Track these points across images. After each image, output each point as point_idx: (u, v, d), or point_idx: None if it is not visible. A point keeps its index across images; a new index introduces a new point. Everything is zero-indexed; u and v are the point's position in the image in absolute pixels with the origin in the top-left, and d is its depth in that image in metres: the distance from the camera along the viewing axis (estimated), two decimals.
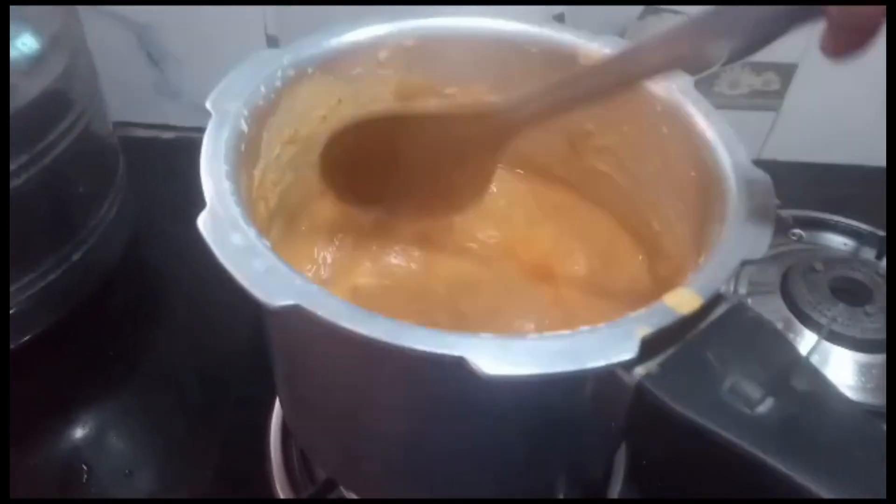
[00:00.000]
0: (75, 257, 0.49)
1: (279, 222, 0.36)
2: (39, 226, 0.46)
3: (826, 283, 0.50)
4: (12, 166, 0.42)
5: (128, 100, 0.66)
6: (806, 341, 0.47)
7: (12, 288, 0.46)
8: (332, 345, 0.26)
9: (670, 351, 0.25)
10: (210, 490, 0.44)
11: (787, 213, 0.55)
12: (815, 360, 0.47)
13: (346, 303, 0.24)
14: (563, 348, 0.24)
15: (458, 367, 0.22)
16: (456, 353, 0.23)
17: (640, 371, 0.25)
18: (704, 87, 0.65)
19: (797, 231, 0.56)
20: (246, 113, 0.31)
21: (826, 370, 0.47)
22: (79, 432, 0.48)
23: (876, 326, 0.47)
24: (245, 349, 0.52)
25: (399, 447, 0.31)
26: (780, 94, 0.67)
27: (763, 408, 0.24)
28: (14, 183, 0.43)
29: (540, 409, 0.27)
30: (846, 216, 0.58)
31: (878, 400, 0.45)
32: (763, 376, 0.25)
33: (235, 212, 0.26)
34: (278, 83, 0.33)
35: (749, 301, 0.51)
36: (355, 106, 0.38)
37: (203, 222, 0.25)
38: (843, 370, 0.47)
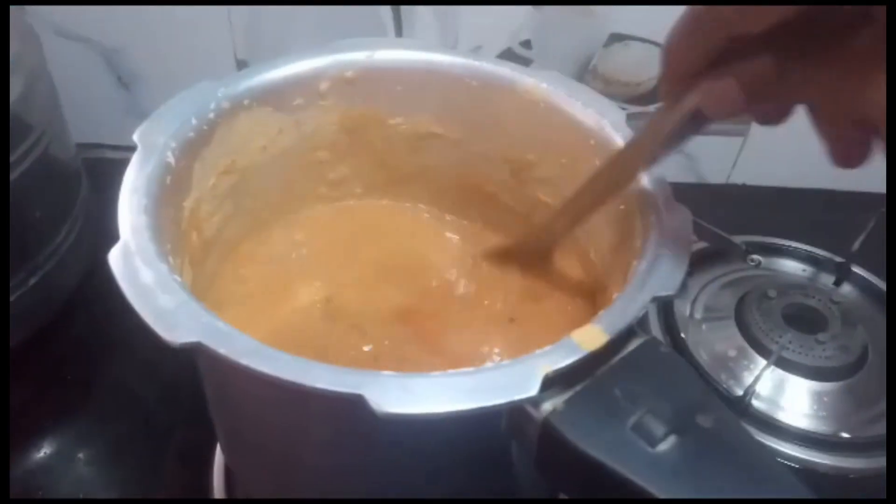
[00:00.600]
0: (32, 282, 0.49)
1: (217, 252, 0.36)
2: None
3: (779, 310, 0.50)
4: None
5: (96, 122, 0.67)
6: (758, 368, 0.47)
7: None
8: (239, 381, 0.26)
9: (579, 386, 0.25)
10: None
11: (742, 239, 0.55)
12: (766, 387, 0.47)
13: (251, 340, 0.24)
14: (464, 385, 0.24)
15: (357, 406, 0.23)
16: (355, 391, 0.23)
17: (547, 407, 0.25)
18: None
19: (756, 257, 0.57)
20: (174, 145, 0.31)
21: (779, 398, 0.47)
22: (35, 456, 0.48)
23: (828, 354, 0.47)
24: (198, 377, 0.52)
25: (315, 478, 0.31)
26: (747, 119, 0.67)
27: (664, 445, 0.24)
28: None
29: (456, 441, 0.27)
30: (810, 241, 0.58)
31: (830, 428, 0.45)
32: (669, 413, 0.25)
33: (149, 248, 0.26)
34: (212, 115, 0.34)
35: (703, 327, 0.51)
36: (297, 136, 0.38)
37: (114, 257, 0.26)
38: (797, 398, 0.47)
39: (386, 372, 0.24)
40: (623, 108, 0.37)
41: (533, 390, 0.24)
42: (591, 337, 0.25)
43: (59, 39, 0.62)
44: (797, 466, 0.43)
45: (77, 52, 0.64)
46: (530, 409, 0.25)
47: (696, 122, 0.28)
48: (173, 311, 0.24)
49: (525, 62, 0.63)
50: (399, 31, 0.62)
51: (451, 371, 0.24)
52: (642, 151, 0.31)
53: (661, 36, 0.63)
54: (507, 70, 0.38)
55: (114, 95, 0.67)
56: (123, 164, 0.68)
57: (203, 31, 0.62)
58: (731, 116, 0.27)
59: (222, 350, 0.23)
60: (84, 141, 0.63)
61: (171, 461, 0.47)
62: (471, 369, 0.24)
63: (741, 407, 0.45)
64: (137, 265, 0.26)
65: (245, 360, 0.23)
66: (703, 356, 0.49)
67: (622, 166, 0.32)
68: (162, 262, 0.26)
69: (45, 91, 0.50)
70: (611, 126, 0.35)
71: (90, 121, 0.65)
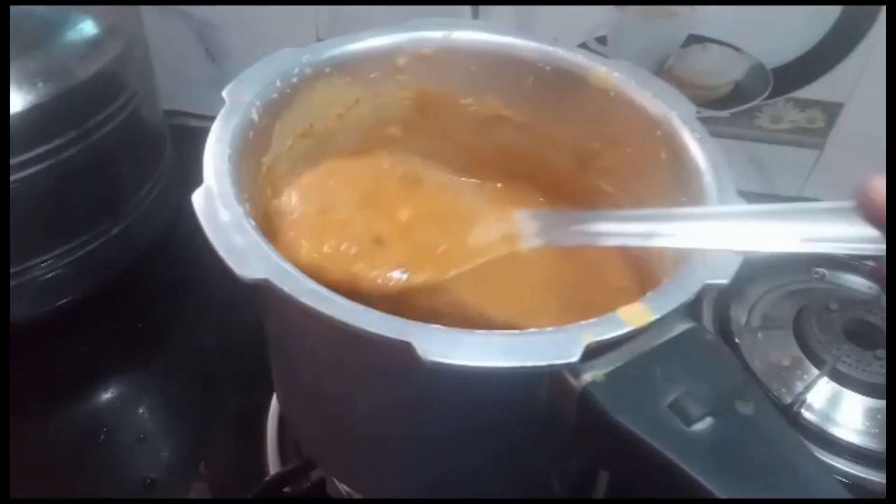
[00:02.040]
0: (115, 231, 0.53)
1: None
2: (83, 198, 0.50)
3: (839, 324, 0.49)
4: (62, 140, 0.46)
5: (184, 90, 0.70)
6: (811, 379, 0.47)
7: (53, 253, 0.49)
8: (299, 322, 0.28)
9: (620, 362, 0.26)
10: (212, 459, 0.47)
11: None
12: (819, 399, 0.46)
13: (311, 282, 0.25)
14: (508, 345, 0.25)
15: (404, 353, 0.24)
16: (405, 338, 0.24)
17: (587, 378, 0.26)
18: (745, 119, 0.65)
19: (820, 270, 0.56)
20: (258, 104, 0.33)
21: (832, 411, 0.46)
22: (102, 396, 0.52)
23: (885, 371, 0.46)
24: (262, 334, 0.55)
25: (362, 425, 0.32)
26: (824, 132, 0.66)
27: (700, 426, 0.24)
28: (62, 155, 0.46)
29: (493, 403, 0.28)
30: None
31: (882, 446, 0.44)
32: (707, 396, 0.25)
33: (229, 191, 0.28)
34: (295, 79, 0.35)
35: (759, 335, 0.51)
36: (373, 107, 0.40)
37: (197, 198, 0.28)
38: (849, 412, 0.46)
39: (436, 325, 0.25)
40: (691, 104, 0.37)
41: (574, 357, 0.24)
42: (636, 314, 0.26)
43: (157, 11, 0.66)
44: (846, 482, 0.43)
45: (173, 24, 0.68)
46: (570, 378, 0.26)
47: None
48: (246, 249, 0.26)
49: None
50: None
51: (497, 331, 0.25)
52: None
53: (741, 39, 0.62)
54: (580, 58, 0.39)
55: (202, 67, 0.71)
56: (205, 132, 0.72)
57: (290, 14, 0.65)
58: None
59: (286, 288, 0.25)
60: (171, 108, 0.66)
61: (228, 411, 0.50)
62: (516, 331, 0.25)
63: (790, 415, 0.44)
64: (217, 206, 0.28)
65: (306, 300, 0.25)
66: (756, 363, 0.49)
67: None
68: (239, 206, 0.28)
69: (141, 57, 0.54)
70: (679, 119, 0.35)
71: (178, 89, 0.68)
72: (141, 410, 0.51)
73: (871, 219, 0.26)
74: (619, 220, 0.32)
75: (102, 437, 0.49)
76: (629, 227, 0.32)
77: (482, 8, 0.62)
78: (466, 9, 0.62)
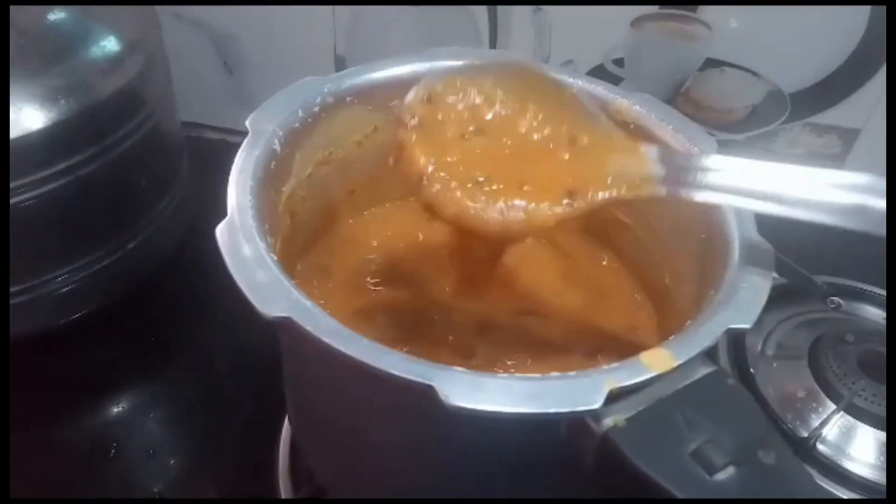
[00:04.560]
0: (131, 245, 0.53)
1: (302, 235, 0.38)
2: (101, 212, 0.50)
3: (855, 356, 0.48)
4: (82, 156, 0.46)
5: (201, 102, 0.71)
6: (826, 412, 0.46)
7: (69, 267, 0.50)
8: (319, 359, 0.28)
9: (641, 407, 0.26)
10: (222, 476, 0.47)
11: (824, 279, 0.54)
12: (834, 432, 0.46)
13: (334, 321, 0.25)
14: (531, 390, 0.25)
15: (427, 397, 0.24)
16: (428, 381, 0.24)
17: (608, 422, 0.25)
18: (762, 143, 0.65)
19: (836, 299, 0.55)
20: (280, 134, 0.33)
21: (847, 445, 0.46)
22: (113, 410, 0.52)
23: None
24: (276, 352, 0.55)
25: (375, 458, 0.32)
26: (840, 157, 0.65)
27: (723, 475, 0.24)
28: (81, 172, 0.46)
29: (512, 445, 0.28)
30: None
31: None
32: (730, 445, 0.25)
33: (251, 224, 0.29)
34: (316, 108, 0.36)
35: (774, 364, 0.50)
36: (391, 135, 0.40)
37: (220, 231, 0.28)
38: (865, 447, 0.46)
39: (457, 367, 0.25)
40: (711, 135, 0.37)
41: (597, 403, 0.24)
42: (659, 360, 0.26)
43: (175, 21, 0.66)
44: None
45: (191, 35, 0.68)
46: (591, 423, 0.26)
47: None
48: (268, 286, 0.26)
49: (615, 80, 0.63)
50: (494, 40, 0.63)
51: (519, 375, 0.25)
52: None
53: (760, 64, 0.62)
54: (600, 89, 0.39)
55: (218, 79, 0.71)
56: (221, 143, 0.72)
57: (307, 26, 0.65)
58: None
59: (308, 327, 0.25)
60: (187, 119, 0.67)
61: (238, 430, 0.50)
62: (538, 375, 0.25)
63: (805, 449, 0.44)
64: (240, 240, 0.28)
65: (328, 339, 0.25)
66: (770, 393, 0.48)
67: None
68: (261, 240, 0.28)
69: (161, 73, 0.54)
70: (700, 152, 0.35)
71: (194, 101, 0.69)
72: (152, 425, 0.51)
73: None
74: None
75: (113, 451, 0.49)
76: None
77: (501, 24, 0.62)
78: (484, 30, 0.62)
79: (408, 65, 0.38)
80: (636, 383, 0.25)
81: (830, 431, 0.45)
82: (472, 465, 0.29)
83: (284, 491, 0.43)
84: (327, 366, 0.28)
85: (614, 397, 0.25)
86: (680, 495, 0.24)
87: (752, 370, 0.49)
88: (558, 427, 0.27)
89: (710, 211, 0.33)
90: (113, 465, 0.48)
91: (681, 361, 0.26)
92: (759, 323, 0.51)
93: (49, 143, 0.44)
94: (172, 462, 0.49)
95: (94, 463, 0.48)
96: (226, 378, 0.54)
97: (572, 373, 0.25)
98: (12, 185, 0.44)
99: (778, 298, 0.54)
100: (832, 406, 0.47)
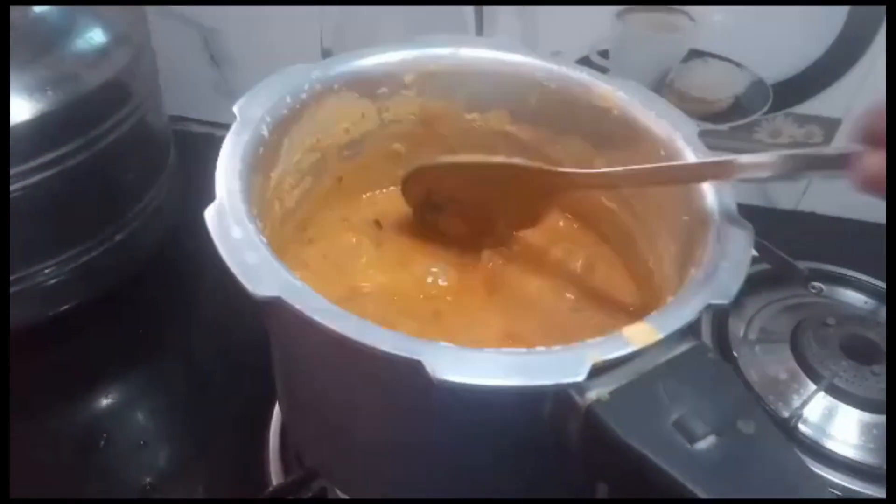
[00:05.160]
0: (119, 237, 0.53)
1: (292, 222, 0.39)
2: (88, 205, 0.50)
3: (836, 339, 0.49)
4: (69, 147, 0.46)
5: (187, 96, 0.71)
6: (807, 393, 0.47)
7: (57, 259, 0.50)
8: (309, 339, 0.28)
9: (625, 381, 0.26)
10: (213, 466, 0.47)
11: (806, 265, 0.55)
12: (815, 413, 0.47)
13: (323, 300, 0.26)
14: (516, 364, 0.25)
15: (414, 371, 0.24)
16: (415, 356, 0.24)
17: (592, 395, 0.26)
18: (744, 133, 0.66)
19: (817, 284, 0.56)
20: (269, 120, 0.34)
21: (828, 426, 0.47)
22: (102, 401, 0.52)
23: (881, 386, 0.47)
24: (265, 341, 0.55)
25: (365, 440, 0.33)
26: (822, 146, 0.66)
27: (703, 444, 0.25)
28: (69, 163, 0.46)
29: (498, 420, 0.28)
30: (875, 274, 0.57)
31: (877, 460, 0.45)
32: (711, 415, 0.26)
33: (241, 208, 0.29)
34: (304, 95, 0.36)
35: (757, 348, 0.51)
36: (378, 123, 0.41)
37: (209, 215, 0.28)
38: (846, 427, 0.47)
39: (444, 343, 0.25)
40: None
41: (581, 376, 0.25)
42: (641, 334, 0.27)
43: (162, 15, 0.66)
44: (840, 494, 0.43)
45: (177, 30, 0.68)
46: (575, 396, 0.26)
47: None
48: (258, 267, 0.27)
49: (601, 71, 0.63)
50: (480, 33, 0.63)
51: (504, 349, 0.26)
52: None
53: (742, 55, 0.63)
54: (585, 76, 0.39)
55: (205, 73, 0.71)
56: (207, 137, 0.72)
57: (294, 21, 0.66)
58: (868, 189, 0.28)
59: (298, 305, 0.25)
60: (174, 113, 0.67)
61: (228, 419, 0.50)
62: (523, 350, 0.26)
63: (787, 429, 0.45)
64: (229, 223, 0.28)
65: (317, 317, 0.25)
66: (752, 376, 0.49)
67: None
68: (250, 223, 0.28)
69: (148, 65, 0.54)
70: (683, 139, 0.36)
71: (181, 95, 0.69)
72: (142, 416, 0.52)
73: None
74: None
75: (103, 442, 0.49)
76: None
77: (487, 18, 0.63)
78: (471, 23, 0.62)
79: (396, 52, 0.39)
80: (619, 357, 0.26)
81: (811, 412, 0.46)
82: (458, 438, 0.30)
83: (275, 476, 0.43)
84: (316, 344, 0.29)
85: (598, 371, 0.26)
86: (662, 464, 0.24)
87: (734, 354, 0.50)
88: (543, 401, 0.27)
89: (692, 192, 0.34)
90: (103, 456, 0.48)
91: (663, 335, 0.26)
92: (741, 308, 0.53)
93: (36, 134, 0.44)
94: (163, 452, 0.49)
95: (84, 453, 0.48)
96: (215, 368, 0.54)
97: (556, 347, 0.26)
98: None
99: (760, 284, 0.55)
100: (813, 387, 0.48)
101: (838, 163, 0.29)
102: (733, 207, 0.33)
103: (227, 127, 0.33)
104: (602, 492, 0.43)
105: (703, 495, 0.23)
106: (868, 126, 0.28)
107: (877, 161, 0.27)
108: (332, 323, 0.25)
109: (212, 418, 0.50)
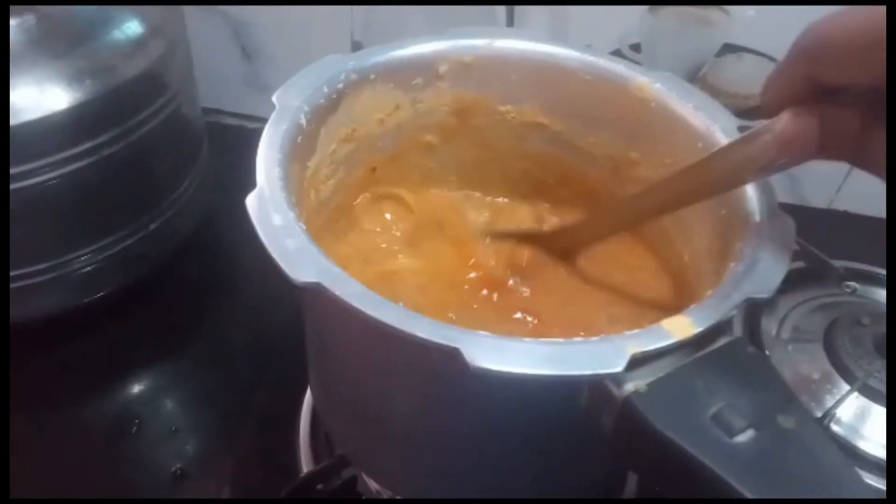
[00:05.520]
0: (152, 226, 0.54)
1: (326, 211, 0.39)
2: (123, 194, 0.51)
3: (871, 338, 0.49)
4: (105, 137, 0.47)
5: (220, 88, 0.72)
6: (840, 393, 0.47)
7: (93, 247, 0.50)
8: (346, 325, 0.28)
9: (662, 373, 0.26)
10: (243, 452, 0.48)
11: (841, 264, 0.54)
12: (848, 413, 0.46)
13: (362, 286, 0.26)
14: (554, 354, 0.25)
15: (452, 359, 0.24)
16: (454, 344, 0.24)
17: (629, 387, 0.26)
18: None
19: (852, 283, 0.55)
20: (307, 109, 0.34)
21: (861, 426, 0.46)
22: (135, 388, 0.53)
23: None
24: (296, 329, 0.56)
25: (403, 433, 0.33)
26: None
27: (742, 437, 0.25)
28: (105, 152, 0.47)
29: (533, 410, 0.29)
30: None
31: None
32: (749, 409, 0.25)
33: (280, 195, 0.29)
34: (341, 85, 0.36)
35: (790, 347, 0.51)
36: (412, 113, 0.41)
37: (250, 201, 0.28)
38: (878, 427, 0.46)
39: (482, 332, 0.25)
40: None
41: (619, 367, 0.25)
42: (681, 326, 0.26)
43: (195, 8, 0.67)
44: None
45: (210, 22, 0.69)
46: (612, 387, 0.26)
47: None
48: (297, 253, 0.27)
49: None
50: (510, 25, 0.63)
51: (543, 339, 0.26)
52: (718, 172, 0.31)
53: (777, 50, 0.62)
54: (621, 67, 0.39)
55: (237, 65, 0.72)
56: (239, 129, 0.72)
57: (325, 15, 0.66)
58: (799, 156, 0.27)
59: (337, 291, 0.25)
60: (206, 105, 0.68)
61: (259, 405, 0.50)
62: (561, 340, 0.26)
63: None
64: (269, 210, 0.28)
65: (356, 303, 0.25)
66: (785, 375, 0.49)
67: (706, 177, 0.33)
68: (290, 210, 0.29)
69: (183, 57, 0.55)
70: (721, 131, 0.35)
71: (213, 87, 0.69)
72: (173, 403, 0.52)
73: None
74: None
75: (135, 428, 0.50)
76: None
77: (517, 12, 0.62)
78: (502, 19, 0.62)
79: (430, 43, 0.39)
80: (658, 349, 0.26)
81: (844, 412, 0.46)
82: (491, 427, 0.30)
83: (306, 463, 0.43)
84: (354, 331, 0.29)
85: (636, 363, 0.25)
86: (700, 456, 0.24)
87: (767, 352, 0.50)
88: (580, 392, 0.27)
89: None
90: (134, 442, 0.49)
91: (701, 328, 0.26)
92: (774, 306, 0.53)
93: (73, 123, 0.45)
94: (194, 438, 0.50)
95: (115, 440, 0.49)
96: (246, 355, 0.55)
97: (595, 338, 0.26)
98: (37, 164, 0.45)
99: (794, 282, 0.54)
100: (846, 387, 0.47)
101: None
102: (774, 199, 0.32)
103: (258, 119, 0.34)
104: (629, 491, 0.43)
105: (747, 494, 0.23)
106: (768, 100, 0.28)
107: (784, 120, 0.27)
108: (371, 309, 0.25)
109: (243, 405, 0.51)
